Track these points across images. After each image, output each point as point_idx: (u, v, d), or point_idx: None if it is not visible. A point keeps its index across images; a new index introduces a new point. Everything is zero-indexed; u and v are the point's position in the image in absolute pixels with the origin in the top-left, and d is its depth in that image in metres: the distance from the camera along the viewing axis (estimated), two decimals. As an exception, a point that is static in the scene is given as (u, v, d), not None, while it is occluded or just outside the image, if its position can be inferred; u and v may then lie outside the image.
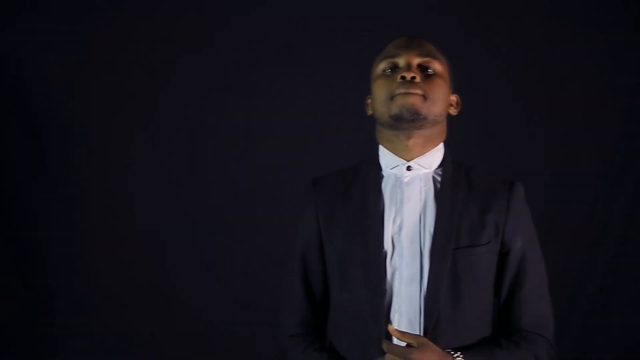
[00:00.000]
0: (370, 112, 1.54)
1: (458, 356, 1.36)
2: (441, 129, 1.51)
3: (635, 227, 2.72)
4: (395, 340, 1.37)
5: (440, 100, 1.46)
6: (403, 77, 1.42)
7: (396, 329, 1.33)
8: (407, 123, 1.43)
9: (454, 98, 1.55)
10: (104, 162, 2.77)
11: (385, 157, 1.50)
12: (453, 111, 1.54)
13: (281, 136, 2.74)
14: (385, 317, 1.41)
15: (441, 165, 1.50)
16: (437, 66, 1.47)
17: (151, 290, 2.73)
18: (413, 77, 1.42)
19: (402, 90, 1.41)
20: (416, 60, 1.46)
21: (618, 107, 2.73)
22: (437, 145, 1.50)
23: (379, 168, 1.51)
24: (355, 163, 1.58)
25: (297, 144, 2.73)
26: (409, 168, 1.47)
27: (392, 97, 1.43)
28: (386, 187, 1.48)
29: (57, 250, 2.76)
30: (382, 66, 1.49)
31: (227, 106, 2.77)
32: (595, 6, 2.70)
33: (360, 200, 1.48)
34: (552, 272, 2.81)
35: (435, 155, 1.49)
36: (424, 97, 1.42)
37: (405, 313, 1.40)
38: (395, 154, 1.48)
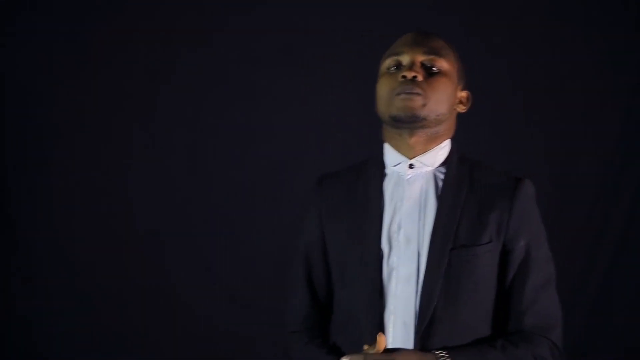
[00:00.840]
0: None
1: (443, 355, 1.34)
2: (447, 127, 1.49)
3: (635, 227, 2.72)
4: (390, 340, 1.37)
5: (442, 100, 1.44)
6: (404, 77, 1.41)
7: (365, 345, 1.33)
8: (406, 124, 1.42)
9: (463, 94, 1.52)
10: (104, 162, 2.77)
11: (389, 154, 1.49)
12: (461, 108, 1.52)
13: (281, 136, 2.74)
14: (381, 316, 1.40)
15: (445, 162, 1.48)
16: (442, 64, 1.45)
17: (151, 290, 2.73)
18: (414, 77, 1.41)
19: (401, 90, 1.40)
20: (420, 58, 1.44)
21: (618, 107, 2.73)
22: (441, 142, 1.48)
23: (383, 166, 1.50)
24: (363, 160, 1.57)
25: (297, 144, 2.73)
26: (411, 166, 1.46)
27: (393, 97, 1.41)
28: (388, 185, 1.47)
29: (57, 250, 2.76)
30: (387, 63, 1.47)
31: (227, 106, 2.78)
32: (595, 6, 2.70)
33: (362, 198, 1.47)
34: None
35: (439, 153, 1.48)
36: (424, 97, 1.40)
37: (401, 314, 1.39)
38: (399, 151, 1.47)
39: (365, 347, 1.33)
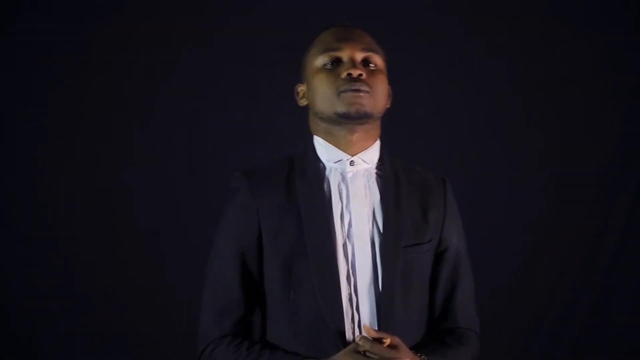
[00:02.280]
0: (304, 102, 1.51)
1: (423, 357, 1.36)
2: (379, 124, 1.49)
3: (635, 227, 2.72)
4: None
5: (383, 97, 1.44)
6: (349, 74, 1.40)
7: (372, 329, 1.33)
8: (352, 121, 1.41)
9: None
10: (104, 161, 2.77)
11: (327, 150, 1.46)
12: (387, 104, 1.50)
13: (281, 136, 2.74)
14: (348, 316, 1.38)
15: (379, 160, 1.49)
16: (378, 60, 1.45)
17: (151, 290, 2.73)
18: (360, 75, 1.40)
19: (350, 88, 1.39)
20: (360, 55, 1.43)
21: (618, 107, 2.73)
22: (376, 140, 1.48)
23: (319, 161, 1.47)
24: (285, 155, 1.53)
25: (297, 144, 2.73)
26: (352, 163, 1.45)
27: (338, 94, 1.40)
28: (331, 182, 1.45)
29: (56, 250, 2.75)
30: (322, 59, 1.45)
31: (227, 106, 2.77)
32: (595, 6, 2.70)
33: (304, 195, 1.43)
34: (552, 272, 2.82)
35: (375, 150, 1.48)
36: (371, 95, 1.40)
37: (363, 313, 1.39)
38: (338, 147, 1.45)
39: (359, 337, 1.32)
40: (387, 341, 1.31)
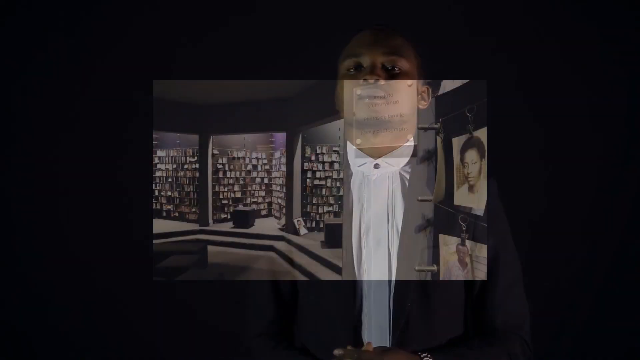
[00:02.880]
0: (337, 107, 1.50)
1: (426, 357, 1.35)
2: (409, 125, 1.44)
3: (635, 228, 2.72)
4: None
5: (404, 101, 1.41)
6: (366, 80, 1.38)
7: (350, 348, 1.31)
8: (370, 127, 1.40)
9: (424, 90, 1.48)
10: (103, 161, 2.77)
11: (353, 154, 1.46)
12: (423, 105, 1.47)
13: (280, 138, 2.74)
14: (357, 318, 1.39)
15: (409, 162, 1.45)
16: (402, 64, 1.42)
17: (152, 290, 2.73)
18: (376, 80, 1.38)
19: (364, 94, 1.38)
20: (381, 60, 1.41)
21: (618, 106, 2.73)
22: (405, 141, 1.45)
23: (347, 165, 1.48)
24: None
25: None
26: (376, 166, 1.44)
27: (354, 100, 1.39)
28: (354, 186, 1.45)
29: (57, 250, 2.76)
30: (346, 64, 1.44)
31: (228, 105, 2.77)
32: (596, 6, 2.70)
33: None
34: (552, 272, 2.83)
35: (404, 152, 1.45)
36: (387, 100, 1.38)
37: (375, 316, 1.39)
38: (362, 150, 1.45)
39: (349, 348, 1.31)
40: (369, 346, 1.31)
